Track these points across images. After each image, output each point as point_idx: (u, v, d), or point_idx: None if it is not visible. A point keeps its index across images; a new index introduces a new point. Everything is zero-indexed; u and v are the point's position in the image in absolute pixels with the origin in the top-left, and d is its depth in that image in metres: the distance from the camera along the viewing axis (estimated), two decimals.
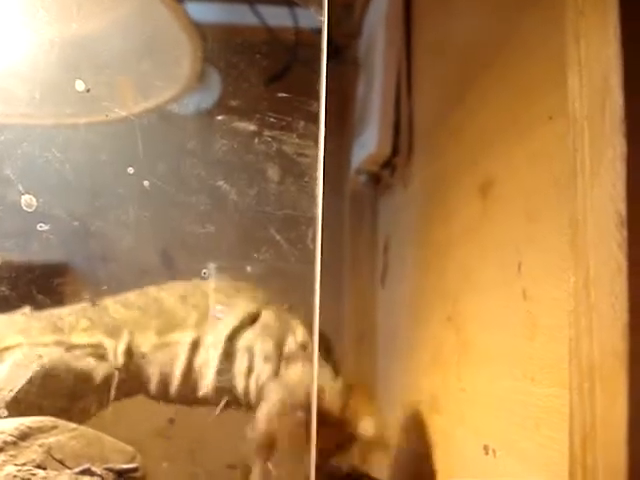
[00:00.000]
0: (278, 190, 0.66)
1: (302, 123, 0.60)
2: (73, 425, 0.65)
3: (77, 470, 0.61)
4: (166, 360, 0.82)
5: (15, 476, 0.58)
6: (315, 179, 0.59)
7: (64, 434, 0.64)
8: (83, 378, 0.78)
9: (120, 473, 0.63)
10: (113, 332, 0.81)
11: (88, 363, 0.78)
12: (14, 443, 0.62)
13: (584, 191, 0.46)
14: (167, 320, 0.83)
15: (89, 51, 0.70)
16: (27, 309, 0.79)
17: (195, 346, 0.82)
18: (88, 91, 0.63)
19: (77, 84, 0.63)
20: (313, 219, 0.59)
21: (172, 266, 0.92)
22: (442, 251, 0.84)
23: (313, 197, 0.59)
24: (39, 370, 0.75)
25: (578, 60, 0.48)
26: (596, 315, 0.44)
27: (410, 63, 1.06)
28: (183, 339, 0.82)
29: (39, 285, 0.73)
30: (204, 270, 0.80)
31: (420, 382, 0.92)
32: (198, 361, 0.82)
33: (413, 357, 0.96)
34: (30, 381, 0.73)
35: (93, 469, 0.61)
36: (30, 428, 0.63)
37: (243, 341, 0.82)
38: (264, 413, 0.78)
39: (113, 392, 0.79)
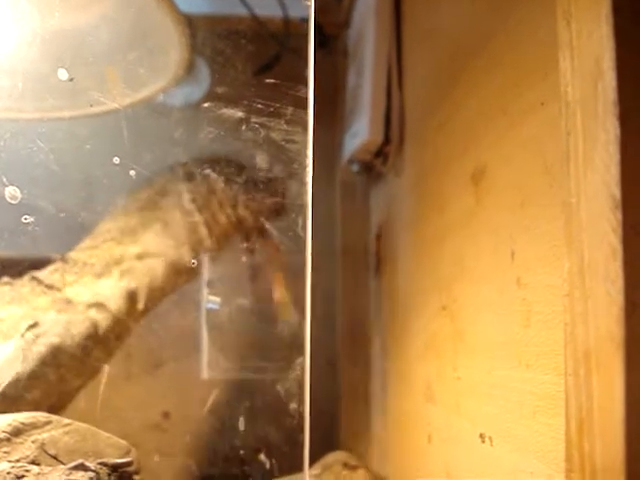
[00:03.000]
0: (267, 177, 0.66)
1: (290, 109, 0.59)
2: (66, 420, 0.65)
3: (71, 465, 0.61)
4: (154, 258, 0.85)
5: (9, 472, 0.58)
6: (304, 166, 0.58)
7: (57, 429, 0.64)
8: (87, 335, 0.79)
9: (114, 467, 0.63)
10: (102, 272, 0.83)
11: (90, 317, 0.79)
12: (7, 439, 0.62)
13: (577, 176, 0.46)
14: (131, 231, 0.87)
15: (74, 42, 0.69)
16: (6, 278, 0.79)
17: (166, 225, 0.86)
18: (71, 80, 0.63)
19: (60, 73, 0.62)
20: (303, 206, 0.59)
21: None
22: (435, 240, 0.84)
23: (303, 184, 0.58)
24: (47, 347, 0.75)
25: (569, 43, 0.47)
26: (591, 300, 0.44)
27: (400, 52, 1.05)
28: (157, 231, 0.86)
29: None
30: (193, 260, 0.80)
31: (415, 371, 0.92)
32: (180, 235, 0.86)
33: (407, 346, 0.96)
34: (39, 358, 0.74)
35: (87, 464, 0.61)
36: (23, 424, 0.63)
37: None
38: (243, 211, 0.86)
39: (116, 339, 0.80)
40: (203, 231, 0.87)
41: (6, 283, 0.80)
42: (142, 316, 0.86)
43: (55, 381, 0.75)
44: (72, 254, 0.86)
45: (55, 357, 0.76)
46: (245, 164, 0.92)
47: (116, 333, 0.82)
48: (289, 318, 0.91)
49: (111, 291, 0.83)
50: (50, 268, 0.84)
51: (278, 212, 0.93)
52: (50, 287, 0.81)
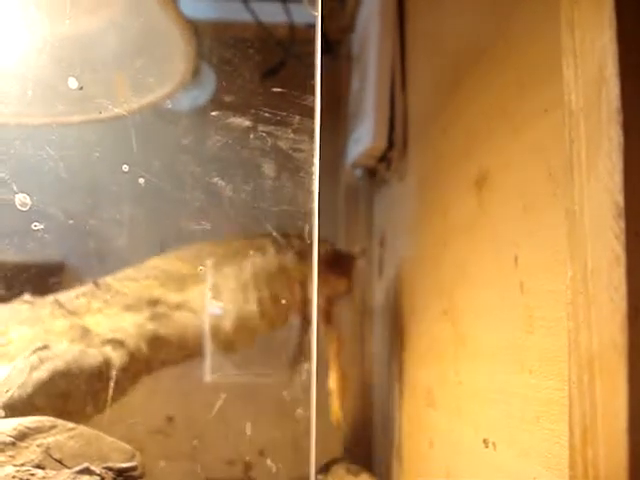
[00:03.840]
0: (274, 185, 0.66)
1: (297, 118, 0.59)
2: (71, 425, 0.65)
3: (76, 469, 0.61)
4: (194, 313, 0.83)
5: (14, 476, 0.58)
6: (311, 174, 0.58)
7: (62, 434, 0.64)
8: (99, 372, 0.76)
9: (119, 472, 0.63)
10: (132, 305, 0.81)
11: (103, 354, 0.77)
12: (13, 444, 0.62)
13: (581, 183, 0.46)
14: (181, 278, 0.84)
15: (82, 49, 0.69)
16: (27, 296, 0.77)
17: (217, 291, 0.84)
18: (81, 89, 0.63)
19: (70, 82, 0.63)
20: (309, 214, 0.59)
21: None
22: (438, 244, 0.84)
23: (309, 192, 0.59)
24: (51, 371, 0.73)
25: (573, 51, 0.47)
26: (595, 307, 0.44)
27: (404, 56, 1.06)
28: (204, 290, 0.84)
29: (35, 284, 0.72)
30: (200, 267, 0.80)
31: (416, 375, 0.92)
32: (224, 303, 0.84)
33: (409, 350, 0.96)
34: (40, 382, 0.72)
35: (92, 468, 0.61)
36: (28, 428, 0.63)
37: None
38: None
39: (131, 377, 0.78)
40: (254, 308, 0.85)
41: (26, 302, 0.77)
42: (162, 366, 0.82)
43: (53, 411, 0.71)
44: (107, 279, 0.83)
45: (56, 386, 0.72)
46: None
47: (130, 374, 0.78)
48: (338, 416, 0.90)
49: (135, 330, 0.80)
50: (77, 291, 0.81)
51: (346, 293, 0.95)
52: (72, 313, 0.78)
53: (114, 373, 0.76)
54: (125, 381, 0.77)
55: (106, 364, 0.76)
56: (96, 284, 0.82)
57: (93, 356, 0.76)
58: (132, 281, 0.84)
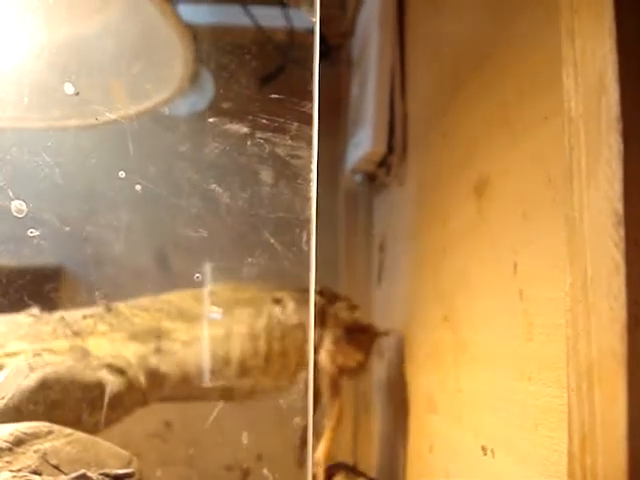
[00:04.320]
0: (271, 192, 0.66)
1: (295, 124, 0.59)
2: (68, 430, 0.65)
3: (73, 475, 0.61)
4: (199, 354, 0.82)
5: None
6: (309, 181, 0.58)
7: (59, 439, 0.64)
8: (91, 392, 0.74)
9: (116, 478, 0.62)
10: (137, 335, 0.79)
11: (101, 377, 0.75)
12: (9, 449, 0.61)
13: (580, 190, 0.46)
14: (191, 317, 0.83)
15: (79, 54, 0.69)
16: (35, 310, 0.76)
17: (228, 337, 0.82)
18: (77, 94, 0.63)
19: (66, 87, 0.63)
20: (307, 221, 0.59)
21: (166, 269, 0.91)
22: (438, 251, 0.84)
23: (307, 199, 0.59)
24: (40, 380, 0.71)
25: (573, 59, 0.47)
26: (594, 315, 0.44)
27: (404, 62, 1.06)
28: (213, 333, 0.83)
29: (31, 291, 0.72)
30: (197, 274, 0.80)
31: (416, 382, 0.92)
32: (231, 349, 0.82)
33: (409, 356, 0.96)
34: (28, 390, 0.70)
35: (89, 474, 0.61)
36: (25, 434, 0.63)
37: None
38: (325, 357, 0.85)
39: (126, 406, 0.76)
40: (260, 362, 0.83)
41: (32, 315, 0.76)
42: (159, 401, 0.80)
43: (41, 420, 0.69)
44: (120, 305, 0.81)
45: (45, 395, 0.70)
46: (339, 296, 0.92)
47: (126, 403, 0.76)
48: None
49: (137, 361, 0.78)
50: (86, 312, 0.80)
51: (360, 369, 0.93)
52: (75, 333, 0.76)
53: (107, 397, 0.74)
54: (119, 408, 0.75)
55: (99, 386, 0.74)
56: (108, 307, 0.80)
57: (87, 373, 0.74)
58: (143, 310, 0.82)
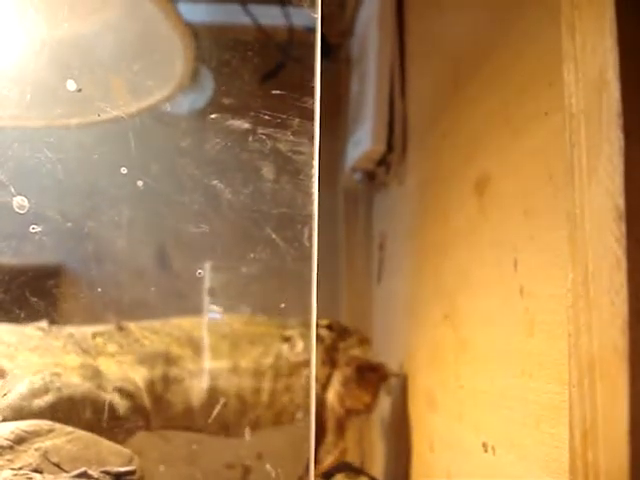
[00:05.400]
0: (273, 188, 0.66)
1: (297, 120, 0.59)
2: (69, 428, 0.65)
3: (74, 473, 0.61)
4: (203, 387, 0.80)
5: None
6: (310, 177, 0.58)
7: (60, 437, 0.64)
8: (100, 414, 0.73)
9: (117, 476, 0.63)
10: (145, 360, 0.79)
11: (113, 399, 0.74)
12: (10, 447, 0.61)
13: (582, 186, 0.46)
14: (200, 347, 0.82)
15: (80, 51, 0.69)
16: (44, 323, 0.75)
17: (234, 371, 0.82)
18: (79, 91, 0.63)
19: (68, 84, 0.63)
20: (309, 217, 0.59)
21: (167, 266, 0.91)
22: (438, 248, 0.84)
23: (309, 195, 0.59)
24: (53, 403, 0.70)
25: (574, 54, 0.47)
26: (596, 311, 0.44)
27: (403, 60, 1.06)
28: (220, 366, 0.82)
29: (33, 287, 0.72)
30: (199, 270, 0.80)
31: (417, 379, 0.92)
32: (237, 387, 0.82)
33: (410, 354, 0.96)
34: (39, 412, 0.68)
35: (90, 472, 0.61)
36: (26, 432, 0.63)
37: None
38: (334, 398, 0.84)
39: (131, 430, 0.75)
40: (263, 399, 0.83)
41: (40, 328, 0.75)
42: (160, 428, 0.80)
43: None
44: (131, 325, 0.81)
45: (55, 416, 0.69)
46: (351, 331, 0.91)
47: (129, 426, 0.75)
48: None
49: (144, 385, 0.77)
50: (96, 329, 0.79)
51: (367, 411, 0.91)
52: (85, 351, 0.76)
53: (115, 422, 0.74)
54: (124, 432, 0.75)
55: (110, 409, 0.74)
56: (119, 327, 0.80)
57: (100, 394, 0.73)
58: (153, 333, 0.82)
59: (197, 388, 0.80)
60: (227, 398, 0.81)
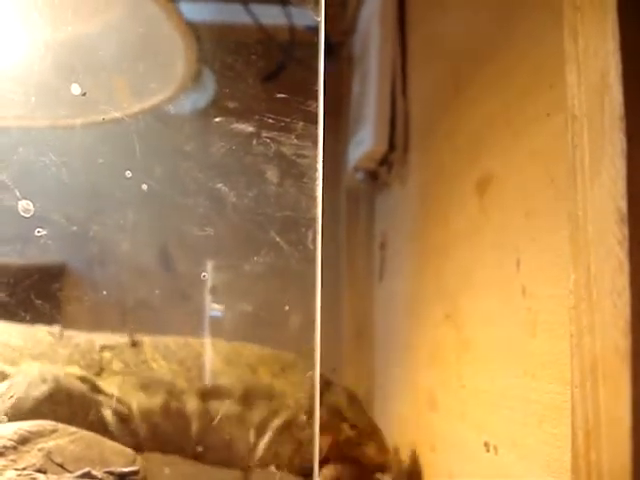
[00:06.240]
0: (277, 191, 0.66)
1: (300, 124, 0.59)
2: (73, 429, 0.65)
3: (77, 474, 0.61)
4: (206, 426, 0.78)
5: None
6: (314, 180, 0.58)
7: (64, 438, 0.64)
8: (93, 424, 0.72)
9: (121, 476, 0.63)
10: (148, 385, 0.77)
11: (105, 416, 0.73)
12: (14, 448, 0.62)
13: (584, 188, 0.46)
14: (210, 384, 0.80)
15: (84, 53, 0.69)
16: (57, 328, 0.74)
17: (241, 421, 0.79)
18: (84, 94, 0.63)
19: (73, 88, 0.63)
20: (313, 220, 0.59)
21: (171, 269, 0.91)
22: (440, 248, 0.84)
23: (313, 198, 0.59)
24: (45, 389, 0.70)
25: (576, 57, 0.48)
26: (598, 313, 0.44)
27: (405, 60, 1.06)
28: (227, 409, 0.79)
29: (38, 290, 0.72)
30: (203, 273, 0.80)
31: (419, 379, 0.92)
32: (240, 440, 0.79)
33: (411, 354, 0.96)
34: (31, 398, 0.70)
35: (93, 472, 0.61)
36: (29, 432, 0.63)
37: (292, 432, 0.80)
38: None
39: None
40: (259, 454, 0.78)
41: (51, 333, 0.74)
42: (153, 451, 0.77)
43: None
44: (146, 341, 0.78)
45: (46, 411, 0.69)
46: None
47: (123, 443, 0.72)
48: None
49: (140, 412, 0.75)
50: (107, 341, 0.77)
51: None
52: (89, 366, 0.75)
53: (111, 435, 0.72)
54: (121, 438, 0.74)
55: (102, 423, 0.73)
56: (133, 343, 0.78)
57: (94, 406, 0.73)
58: (165, 359, 0.79)
59: (196, 425, 0.78)
60: (225, 439, 0.79)
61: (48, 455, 0.62)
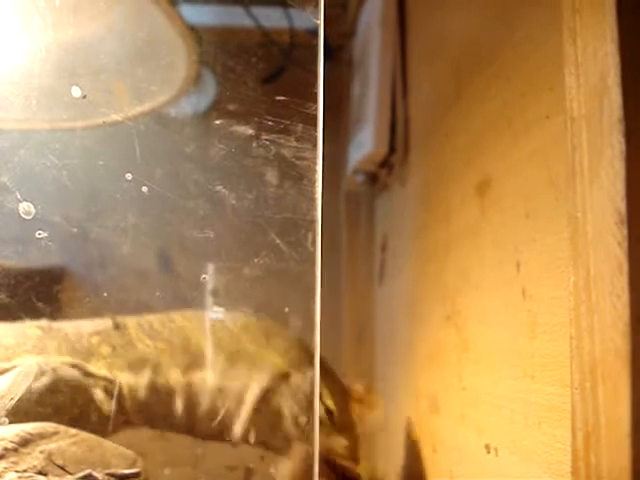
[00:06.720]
0: (277, 193, 0.66)
1: (300, 126, 0.60)
2: (74, 431, 0.65)
3: (79, 476, 0.61)
4: (189, 399, 0.80)
5: None
6: (314, 182, 0.59)
7: (65, 440, 0.64)
8: (88, 404, 0.75)
9: (122, 478, 0.63)
10: (136, 365, 0.80)
11: (97, 394, 0.76)
12: (15, 450, 0.62)
13: (583, 190, 0.46)
14: (193, 357, 0.82)
15: (84, 57, 0.69)
16: (43, 321, 0.76)
17: (222, 392, 0.81)
18: (84, 97, 0.63)
19: (73, 90, 0.63)
20: (313, 222, 0.59)
21: (171, 271, 0.91)
22: (440, 250, 0.84)
23: (312, 200, 0.59)
24: (45, 381, 0.73)
25: (575, 59, 0.48)
26: (597, 314, 0.44)
27: (405, 62, 1.06)
28: (209, 382, 0.81)
29: (38, 292, 0.72)
30: (203, 275, 0.80)
31: (419, 381, 0.92)
32: (223, 408, 0.81)
33: (412, 356, 0.96)
34: (38, 392, 0.71)
35: (94, 474, 0.61)
36: (31, 434, 0.63)
37: (274, 401, 0.81)
38: (288, 472, 0.80)
39: (113, 425, 0.77)
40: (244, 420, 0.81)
41: (40, 327, 0.76)
42: (141, 427, 0.80)
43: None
44: (128, 322, 0.81)
45: (49, 400, 0.72)
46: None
47: (112, 423, 0.77)
48: None
49: (127, 390, 0.78)
50: (94, 327, 0.80)
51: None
52: (78, 352, 0.77)
53: (96, 415, 0.75)
54: (106, 427, 0.76)
55: (95, 401, 0.75)
56: (116, 324, 0.80)
57: (86, 388, 0.75)
58: (151, 338, 0.81)
59: (181, 399, 0.80)
60: (209, 411, 0.81)
61: (49, 457, 0.62)
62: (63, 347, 0.77)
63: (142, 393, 0.79)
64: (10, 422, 0.66)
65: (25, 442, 0.62)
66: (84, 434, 0.66)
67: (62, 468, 0.62)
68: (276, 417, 0.81)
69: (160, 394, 0.80)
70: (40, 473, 0.61)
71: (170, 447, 0.88)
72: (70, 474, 0.62)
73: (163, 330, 0.83)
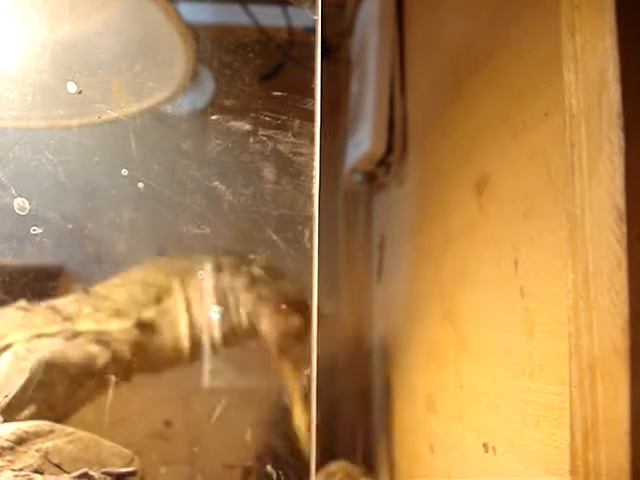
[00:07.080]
0: (274, 189, 0.66)
1: (297, 121, 0.59)
2: (70, 429, 0.65)
3: (75, 474, 0.61)
4: (171, 323, 0.87)
5: None
6: (311, 178, 0.58)
7: (61, 438, 0.64)
8: (82, 366, 0.79)
9: (118, 477, 0.62)
10: (119, 311, 0.85)
11: (89, 350, 0.80)
12: (11, 448, 0.61)
13: (582, 186, 0.46)
14: (159, 291, 0.89)
15: (81, 53, 0.69)
16: (23, 302, 0.79)
17: (189, 304, 0.88)
18: (80, 93, 0.63)
19: (69, 86, 0.63)
20: (310, 218, 0.59)
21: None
22: (438, 248, 0.84)
23: (309, 196, 0.59)
24: (36, 366, 0.75)
25: (574, 55, 0.48)
26: (596, 311, 0.44)
27: (403, 60, 1.06)
28: (179, 301, 0.88)
29: (33, 288, 0.72)
30: (200, 271, 0.80)
31: (417, 379, 0.92)
32: (198, 315, 0.88)
33: (409, 354, 0.96)
34: (28, 380, 0.74)
35: (91, 473, 0.61)
36: (27, 433, 0.63)
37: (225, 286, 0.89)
38: (268, 324, 0.91)
39: (114, 377, 0.80)
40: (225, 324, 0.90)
41: (21, 308, 0.80)
42: (140, 372, 0.86)
43: (45, 400, 0.74)
44: (96, 287, 0.87)
45: (42, 377, 0.75)
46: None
47: (110, 376, 0.82)
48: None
49: (120, 335, 0.84)
50: (71, 298, 0.84)
51: (297, 336, 0.95)
52: (66, 318, 0.81)
53: (97, 369, 0.80)
54: (107, 381, 0.80)
55: (90, 359, 0.80)
56: (86, 291, 0.86)
57: (77, 350, 0.80)
58: (119, 287, 0.88)
59: (168, 327, 0.87)
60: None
61: (45, 456, 0.62)
62: (49, 317, 0.81)
63: (134, 333, 0.85)
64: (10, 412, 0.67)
65: (21, 440, 0.62)
66: (81, 432, 0.66)
67: (58, 467, 0.62)
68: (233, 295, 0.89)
69: (150, 328, 0.86)
70: (36, 472, 0.61)
71: (166, 445, 0.88)
72: (66, 473, 0.62)
73: (126, 281, 0.90)
